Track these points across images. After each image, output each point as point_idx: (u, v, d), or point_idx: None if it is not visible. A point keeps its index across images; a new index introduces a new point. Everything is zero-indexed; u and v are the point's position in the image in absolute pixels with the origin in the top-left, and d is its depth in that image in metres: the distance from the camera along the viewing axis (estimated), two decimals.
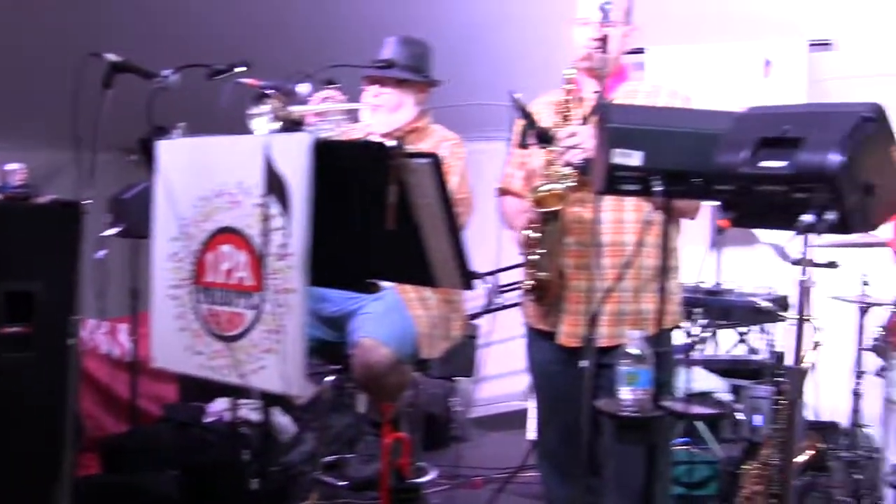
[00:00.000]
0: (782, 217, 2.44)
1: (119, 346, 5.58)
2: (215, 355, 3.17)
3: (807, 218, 2.35)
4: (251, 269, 3.04)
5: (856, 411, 5.13)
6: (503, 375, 6.78)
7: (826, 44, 6.17)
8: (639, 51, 6.28)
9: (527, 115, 3.39)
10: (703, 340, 5.77)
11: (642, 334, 2.88)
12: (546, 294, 3.60)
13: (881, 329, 5.12)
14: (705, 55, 6.43)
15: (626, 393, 2.80)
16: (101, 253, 4.40)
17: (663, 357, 2.88)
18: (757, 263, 6.44)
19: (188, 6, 6.36)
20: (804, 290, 2.50)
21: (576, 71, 3.61)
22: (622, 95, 3.70)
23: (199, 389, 5.28)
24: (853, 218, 2.37)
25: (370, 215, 2.84)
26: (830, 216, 2.34)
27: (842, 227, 2.38)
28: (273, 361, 2.99)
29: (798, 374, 2.54)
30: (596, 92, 3.58)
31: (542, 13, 5.97)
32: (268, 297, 3.00)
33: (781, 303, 5.42)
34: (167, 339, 3.34)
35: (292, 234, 2.91)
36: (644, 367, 2.79)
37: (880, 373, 5.08)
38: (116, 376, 5.45)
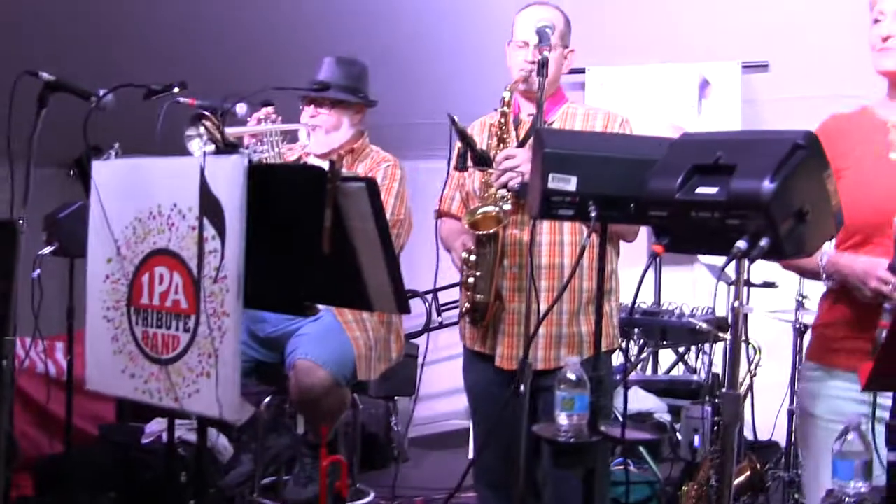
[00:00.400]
0: (716, 243, 2.44)
1: (55, 365, 5.51)
2: (150, 378, 3.13)
3: (740, 244, 2.35)
4: (186, 291, 3.01)
5: (794, 431, 5.17)
6: (443, 394, 6.78)
7: (761, 65, 6.25)
8: (579, 70, 6.34)
9: (465, 138, 3.39)
10: (641, 361, 5.81)
11: (578, 359, 2.88)
12: (483, 316, 3.60)
13: None
14: (644, 76, 6.50)
15: (563, 418, 2.79)
16: (37, 272, 4.35)
17: (601, 380, 2.88)
18: (696, 283, 6.51)
19: (127, 26, 6.34)
20: (739, 316, 2.50)
21: (512, 93, 3.62)
22: (560, 117, 3.72)
23: (137, 409, 5.22)
24: (787, 244, 2.37)
25: (306, 238, 2.82)
26: (764, 242, 2.34)
27: (776, 252, 2.38)
28: (208, 385, 2.95)
29: (733, 399, 2.53)
30: (531, 114, 3.60)
31: (480, 34, 6.02)
32: (203, 321, 2.96)
33: (720, 323, 5.46)
34: (102, 361, 3.30)
35: (227, 257, 2.88)
36: (580, 392, 2.79)
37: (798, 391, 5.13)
38: (53, 395, 5.37)
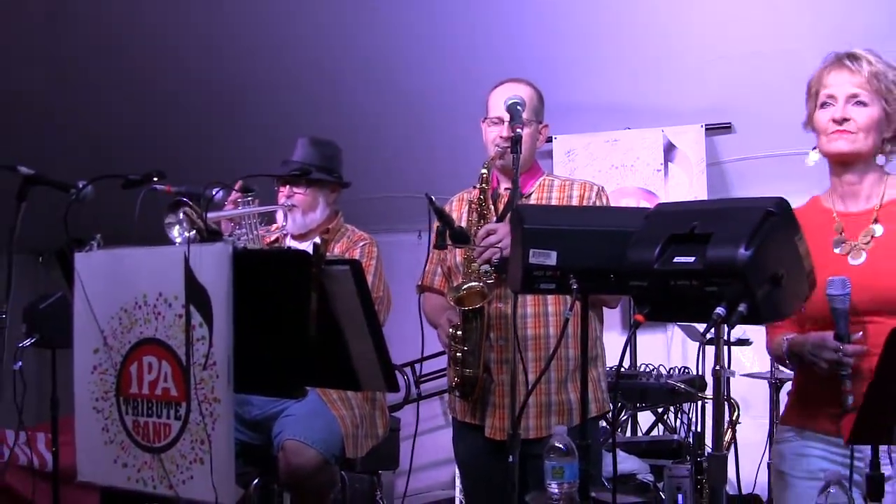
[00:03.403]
0: (695, 310, 2.50)
1: (38, 457, 5.48)
2: (143, 467, 3.14)
3: (719, 311, 2.42)
4: (175, 379, 3.03)
5: (772, 487, 5.22)
6: (427, 466, 6.78)
7: (725, 126, 6.36)
8: (548, 139, 6.43)
9: (443, 216, 3.44)
10: (623, 423, 5.85)
11: (565, 428, 2.93)
12: (473, 390, 3.64)
13: None
14: (610, 142, 6.58)
15: (553, 487, 2.83)
16: (18, 364, 4.35)
17: (588, 448, 2.93)
18: (669, 344, 6.58)
19: (104, 117, 6.43)
20: (721, 380, 2.56)
21: (489, 169, 3.69)
22: (537, 189, 3.80)
23: (122, 499, 5.18)
24: (764, 309, 2.43)
25: (293, 322, 2.86)
26: (742, 308, 2.40)
27: (754, 317, 2.45)
28: (202, 471, 2.97)
29: (720, 461, 2.58)
30: (508, 188, 3.67)
31: (451, 110, 6.12)
32: (194, 408, 2.99)
33: (697, 383, 5.52)
34: (93, 451, 3.30)
35: (215, 343, 2.92)
36: (569, 460, 2.83)
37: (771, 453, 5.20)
38: (38, 488, 5.34)
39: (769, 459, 5.21)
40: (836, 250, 2.95)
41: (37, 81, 6.81)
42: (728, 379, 5.17)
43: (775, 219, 2.46)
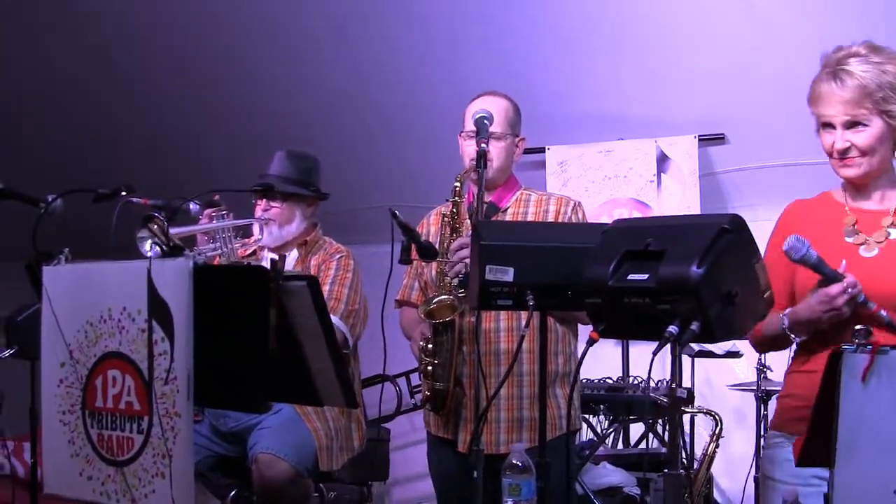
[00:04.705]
0: (649, 328, 2.48)
1: (23, 465, 5.51)
2: (107, 480, 3.14)
3: (672, 329, 2.40)
4: (138, 393, 3.03)
5: (759, 496, 5.21)
6: (418, 477, 6.77)
7: (718, 137, 6.34)
8: (539, 150, 6.42)
9: (408, 231, 3.43)
10: (608, 435, 5.83)
11: (523, 445, 2.92)
12: (444, 404, 3.64)
13: None
14: (603, 153, 6.57)
15: None
16: None
17: (546, 466, 2.91)
18: (664, 357, 6.54)
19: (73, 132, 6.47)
20: (674, 398, 2.55)
21: (463, 182, 3.68)
22: (514, 204, 3.79)
23: None
24: (717, 327, 2.41)
25: (253, 337, 2.85)
26: (695, 326, 2.38)
27: (707, 336, 2.43)
28: (163, 485, 2.97)
29: (673, 480, 2.56)
30: (484, 202, 3.66)
31: (440, 122, 6.11)
32: (156, 422, 2.99)
33: (686, 395, 5.49)
34: (60, 464, 3.31)
35: (176, 358, 2.91)
36: (526, 478, 2.82)
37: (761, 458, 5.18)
38: (18, 496, 5.35)
39: (756, 473, 5.23)
40: (848, 240, 2.91)
41: (4, 93, 6.87)
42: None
43: (729, 236, 2.44)
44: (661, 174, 6.42)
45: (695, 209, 6.20)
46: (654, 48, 6.03)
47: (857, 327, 2.33)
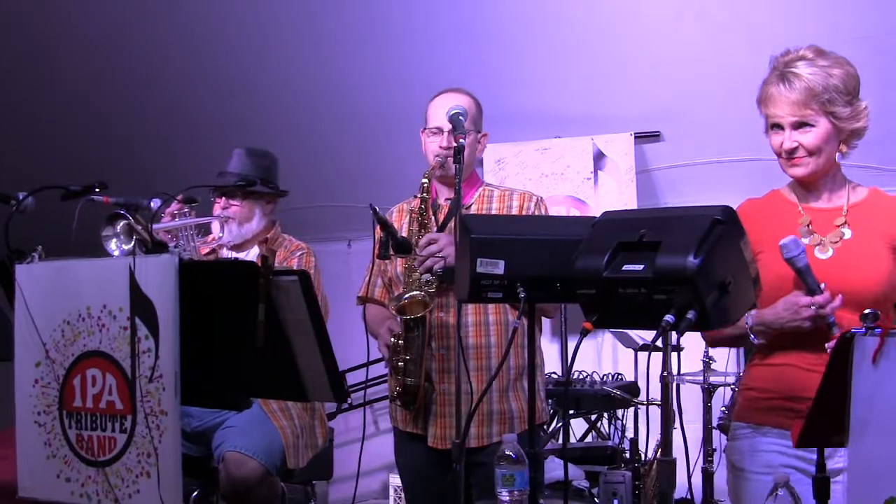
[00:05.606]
0: (644, 318, 2.52)
1: None
2: (87, 481, 3.09)
3: (668, 318, 2.44)
4: (120, 392, 2.99)
5: (707, 488, 5.32)
6: (359, 474, 6.76)
7: (654, 135, 6.43)
8: None
9: (386, 227, 3.44)
10: (558, 430, 5.88)
11: (514, 436, 2.94)
12: (415, 399, 3.64)
13: (724, 409, 5.32)
14: (539, 150, 6.62)
15: (504, 495, 2.84)
16: None
17: (536, 456, 2.94)
18: (600, 351, 6.63)
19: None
20: (666, 385, 2.58)
21: (430, 179, 3.70)
22: (477, 200, 3.81)
23: None
24: (713, 315, 2.46)
25: (240, 333, 2.84)
26: (691, 315, 2.43)
27: (703, 324, 2.48)
28: (148, 485, 2.94)
29: (668, 466, 2.60)
30: (448, 199, 3.68)
31: (383, 119, 6.14)
32: (140, 420, 2.96)
33: (630, 389, 5.57)
34: (35, 467, 3.25)
35: (161, 356, 2.89)
36: (519, 468, 2.84)
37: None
38: None
39: (703, 463, 5.34)
40: (805, 241, 2.96)
41: None
42: (672, 385, 5.25)
43: (722, 227, 2.49)
44: (598, 171, 6.51)
45: (631, 206, 6.28)
46: (590, 46, 6.11)
47: (866, 311, 2.39)
